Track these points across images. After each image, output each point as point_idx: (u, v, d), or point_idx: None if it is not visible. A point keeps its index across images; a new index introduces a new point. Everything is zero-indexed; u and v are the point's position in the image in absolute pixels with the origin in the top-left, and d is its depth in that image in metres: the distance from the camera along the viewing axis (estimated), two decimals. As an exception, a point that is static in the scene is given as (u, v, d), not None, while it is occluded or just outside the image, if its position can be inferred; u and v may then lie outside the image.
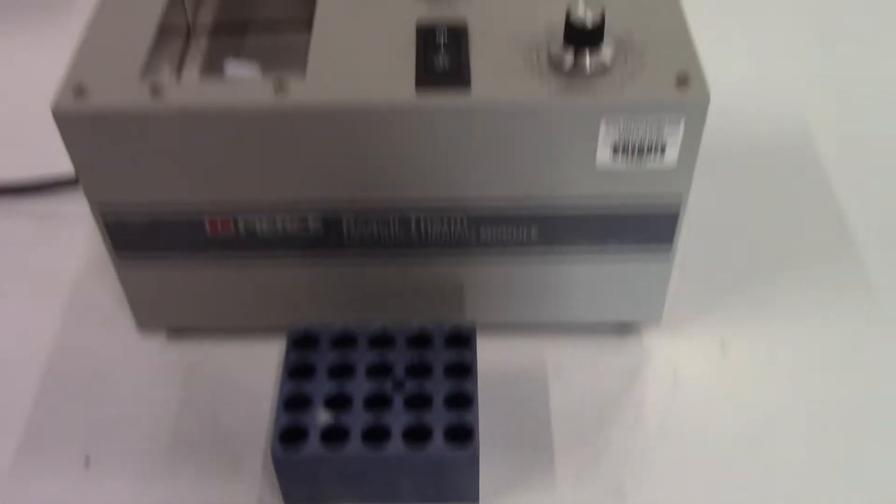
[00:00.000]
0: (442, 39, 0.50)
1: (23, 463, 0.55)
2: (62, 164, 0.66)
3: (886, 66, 0.84)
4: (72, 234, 0.68)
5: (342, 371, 0.52)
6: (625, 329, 0.61)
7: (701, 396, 0.58)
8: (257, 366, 0.60)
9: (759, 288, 0.64)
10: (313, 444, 0.49)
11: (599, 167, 0.50)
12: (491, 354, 0.58)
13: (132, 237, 0.53)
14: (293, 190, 0.51)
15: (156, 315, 0.59)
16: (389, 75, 0.49)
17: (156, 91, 0.48)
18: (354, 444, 0.49)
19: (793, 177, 0.72)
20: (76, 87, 0.48)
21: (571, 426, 0.56)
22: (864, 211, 0.69)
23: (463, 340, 0.54)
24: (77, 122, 0.48)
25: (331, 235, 0.54)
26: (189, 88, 0.49)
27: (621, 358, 0.60)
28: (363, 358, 0.53)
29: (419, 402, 0.51)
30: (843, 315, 0.63)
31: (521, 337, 0.61)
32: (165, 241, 0.54)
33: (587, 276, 0.56)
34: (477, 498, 0.53)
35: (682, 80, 0.48)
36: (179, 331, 0.61)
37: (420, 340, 0.54)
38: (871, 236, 0.68)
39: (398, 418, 0.50)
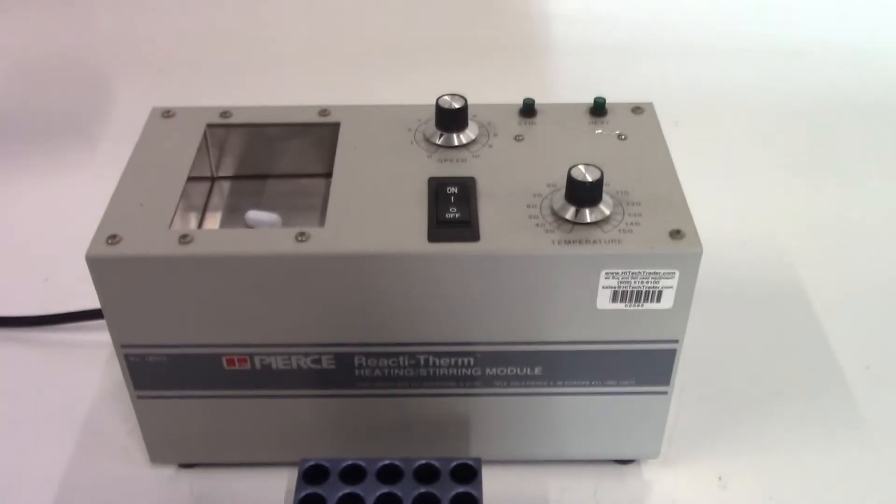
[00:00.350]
0: (452, 192, 0.53)
1: None
2: (80, 297, 0.69)
3: (866, 205, 0.88)
4: (87, 365, 0.70)
5: (351, 505, 0.54)
6: (625, 459, 0.63)
7: (701, 531, 0.59)
8: (267, 496, 0.60)
9: (754, 423, 0.66)
10: (324, 580, 0.50)
11: (599, 311, 0.53)
12: (494, 483, 0.59)
13: (152, 374, 0.56)
14: (309, 332, 0.54)
15: (169, 449, 0.60)
16: (403, 226, 0.52)
17: (183, 239, 0.51)
18: (364, 580, 0.50)
19: (784, 315, 0.75)
20: (109, 236, 0.51)
21: (574, 559, 0.57)
22: (852, 345, 0.72)
23: (469, 475, 0.55)
24: (108, 268, 0.51)
25: (342, 372, 0.56)
26: (215, 237, 0.52)
27: (621, 489, 0.61)
28: (372, 492, 0.54)
29: (427, 535, 0.52)
30: (837, 448, 0.64)
31: (524, 466, 0.62)
32: (183, 377, 0.56)
33: (587, 412, 0.58)
34: None
35: (676, 235, 0.51)
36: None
37: (427, 475, 0.55)
38: (860, 370, 0.70)
39: (407, 552, 0.51)
